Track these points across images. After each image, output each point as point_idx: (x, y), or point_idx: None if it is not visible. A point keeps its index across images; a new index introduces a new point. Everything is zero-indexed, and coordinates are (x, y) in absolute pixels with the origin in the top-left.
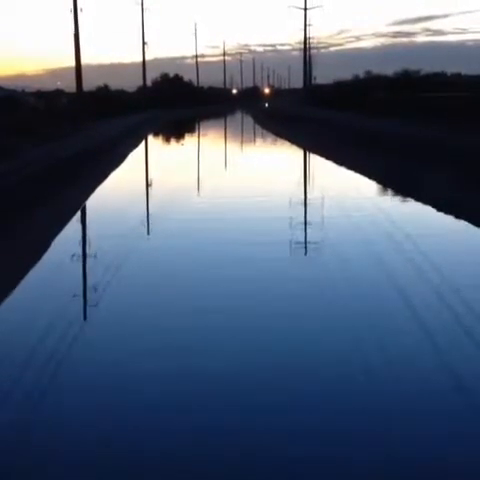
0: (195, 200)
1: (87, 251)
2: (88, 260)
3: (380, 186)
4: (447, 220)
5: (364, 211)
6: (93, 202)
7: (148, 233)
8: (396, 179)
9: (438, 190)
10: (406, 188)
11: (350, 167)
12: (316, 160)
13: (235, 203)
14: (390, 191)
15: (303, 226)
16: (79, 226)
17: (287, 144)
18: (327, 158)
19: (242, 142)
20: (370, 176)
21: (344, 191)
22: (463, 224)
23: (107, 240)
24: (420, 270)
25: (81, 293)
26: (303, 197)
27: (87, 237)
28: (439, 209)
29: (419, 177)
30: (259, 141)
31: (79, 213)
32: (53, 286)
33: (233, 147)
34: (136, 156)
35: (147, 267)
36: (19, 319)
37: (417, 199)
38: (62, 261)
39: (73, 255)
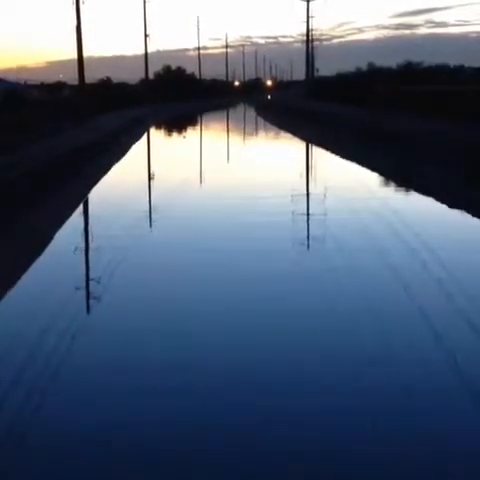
0: (198, 191)
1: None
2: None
3: (363, 169)
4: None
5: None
6: (93, 197)
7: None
8: (381, 166)
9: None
10: (389, 174)
11: (356, 161)
12: (317, 152)
13: (236, 192)
14: (367, 175)
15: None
16: (81, 220)
17: (289, 136)
18: (332, 152)
19: (244, 135)
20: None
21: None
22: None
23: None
24: None
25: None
26: (304, 173)
27: (89, 228)
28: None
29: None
30: (261, 134)
31: (81, 207)
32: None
33: (236, 140)
34: (138, 150)
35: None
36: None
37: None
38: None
39: (76, 247)
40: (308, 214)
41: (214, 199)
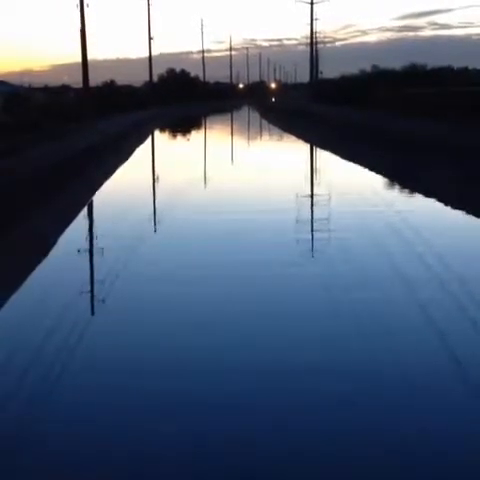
0: (200, 197)
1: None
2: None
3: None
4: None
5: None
6: (97, 198)
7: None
8: (382, 168)
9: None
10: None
11: (359, 163)
12: (321, 155)
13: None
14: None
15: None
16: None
17: (293, 139)
18: (335, 154)
19: (249, 137)
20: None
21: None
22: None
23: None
24: None
25: None
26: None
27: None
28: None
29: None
30: (265, 136)
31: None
32: None
33: (240, 143)
34: (143, 153)
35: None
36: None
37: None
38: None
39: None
40: (312, 224)
41: (217, 213)
